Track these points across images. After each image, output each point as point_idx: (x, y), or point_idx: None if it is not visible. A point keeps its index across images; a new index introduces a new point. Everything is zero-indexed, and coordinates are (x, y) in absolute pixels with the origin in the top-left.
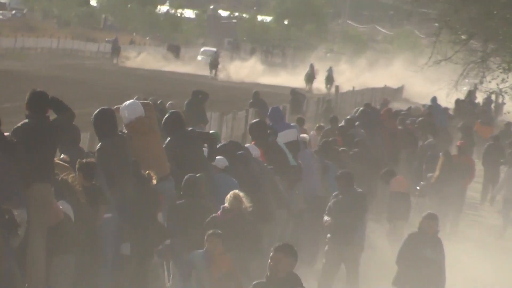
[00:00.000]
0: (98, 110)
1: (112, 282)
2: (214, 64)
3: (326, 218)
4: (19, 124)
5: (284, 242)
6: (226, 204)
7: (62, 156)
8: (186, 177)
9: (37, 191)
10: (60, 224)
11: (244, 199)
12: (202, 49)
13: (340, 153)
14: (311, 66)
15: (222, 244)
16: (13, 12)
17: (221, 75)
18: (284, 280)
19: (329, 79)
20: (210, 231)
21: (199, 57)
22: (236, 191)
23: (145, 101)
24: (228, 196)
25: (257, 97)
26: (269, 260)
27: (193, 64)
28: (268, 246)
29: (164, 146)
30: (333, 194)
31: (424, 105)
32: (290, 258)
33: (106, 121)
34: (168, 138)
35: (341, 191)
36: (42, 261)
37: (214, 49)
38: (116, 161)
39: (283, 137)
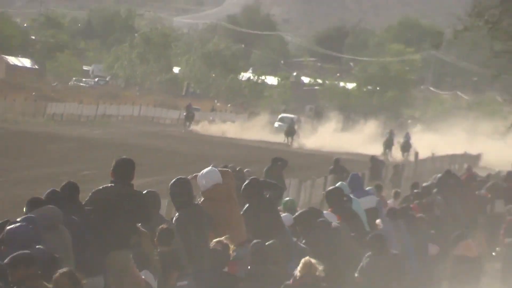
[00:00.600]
0: (174, 180)
1: None
2: (290, 132)
3: (357, 275)
4: (100, 187)
5: None
6: (297, 272)
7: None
8: (253, 243)
9: (115, 258)
10: None
11: (316, 266)
12: (280, 116)
13: (417, 220)
14: (391, 132)
15: None
16: (96, 79)
17: (295, 144)
18: None
19: (406, 146)
20: None
21: (276, 124)
22: (307, 258)
23: (224, 169)
24: (300, 263)
25: (337, 163)
26: None
27: (267, 131)
28: None
29: (242, 212)
30: (366, 255)
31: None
32: None
33: (182, 191)
34: (247, 205)
35: (374, 252)
36: None
37: (292, 116)
38: (193, 231)
39: (362, 204)
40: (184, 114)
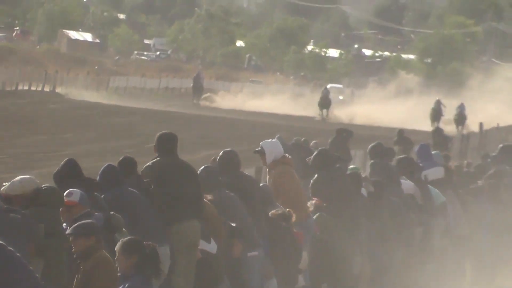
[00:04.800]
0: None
1: None
2: (325, 103)
3: None
4: (149, 163)
5: None
6: None
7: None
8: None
9: (182, 230)
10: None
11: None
12: (328, 86)
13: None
14: (438, 102)
15: None
16: (158, 53)
17: (331, 116)
18: None
19: (460, 119)
20: None
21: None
22: None
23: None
24: None
25: (401, 135)
26: None
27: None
28: None
29: (311, 182)
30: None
31: None
32: None
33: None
34: (316, 175)
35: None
36: None
37: (341, 86)
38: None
39: (431, 175)
40: (192, 85)
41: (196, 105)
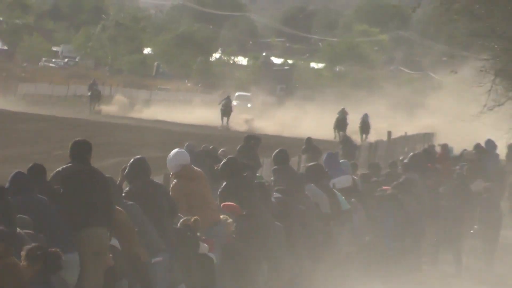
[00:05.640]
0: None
1: None
2: (226, 111)
3: None
4: (59, 168)
5: None
6: None
7: None
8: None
9: (89, 236)
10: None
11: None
12: (236, 94)
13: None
14: (342, 111)
15: None
16: (66, 60)
17: (232, 124)
18: None
19: (364, 127)
20: None
21: (235, 102)
22: None
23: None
24: None
25: (309, 143)
26: None
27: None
28: None
29: (219, 190)
30: None
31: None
32: None
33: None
34: (224, 183)
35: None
36: None
37: (248, 94)
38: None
39: (338, 183)
40: (89, 93)
41: (96, 112)
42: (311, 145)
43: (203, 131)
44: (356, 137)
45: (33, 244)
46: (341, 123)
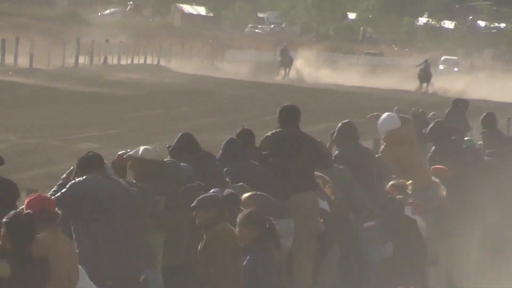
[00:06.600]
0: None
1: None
2: (425, 77)
3: None
4: (269, 133)
5: None
6: None
7: None
8: None
9: (302, 200)
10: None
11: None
12: (443, 58)
13: None
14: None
15: None
16: (272, 26)
17: (430, 90)
18: None
19: (425, 76)
20: None
21: (441, 67)
22: None
23: (403, 115)
24: None
25: None
26: None
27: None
28: None
29: (429, 154)
30: None
31: None
32: None
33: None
34: (433, 147)
35: None
36: (309, 272)
37: (455, 58)
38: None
39: None
40: (279, 58)
41: (286, 78)
42: None
43: (411, 96)
44: None
45: (250, 209)
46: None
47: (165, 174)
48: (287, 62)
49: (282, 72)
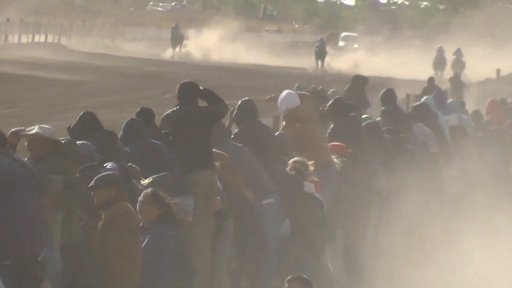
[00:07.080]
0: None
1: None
2: (320, 54)
3: None
4: (169, 111)
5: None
6: None
7: None
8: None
9: (201, 178)
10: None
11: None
12: (343, 35)
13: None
14: (440, 50)
15: None
16: (173, 4)
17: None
18: None
19: (458, 64)
20: None
21: (341, 43)
22: None
23: (302, 92)
24: None
25: (431, 83)
26: None
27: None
28: None
29: (328, 131)
30: None
31: None
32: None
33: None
34: (332, 125)
35: None
36: (207, 250)
37: (355, 34)
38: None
39: (446, 122)
40: (170, 36)
41: (176, 54)
42: (432, 85)
43: (311, 74)
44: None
45: (151, 188)
46: (439, 63)
47: (63, 152)
48: (177, 39)
49: (171, 50)
